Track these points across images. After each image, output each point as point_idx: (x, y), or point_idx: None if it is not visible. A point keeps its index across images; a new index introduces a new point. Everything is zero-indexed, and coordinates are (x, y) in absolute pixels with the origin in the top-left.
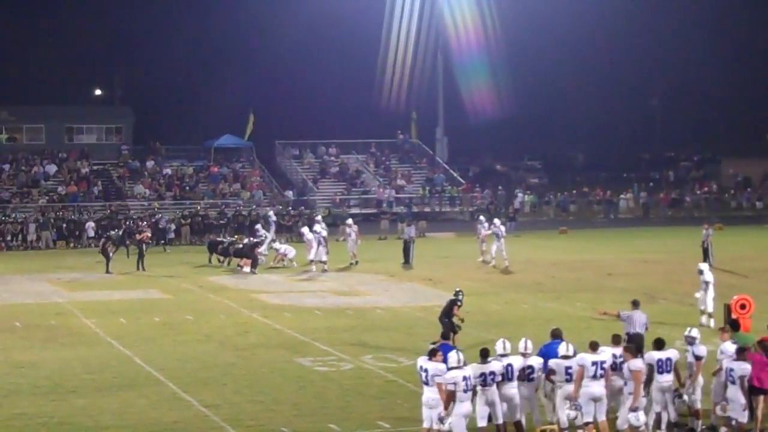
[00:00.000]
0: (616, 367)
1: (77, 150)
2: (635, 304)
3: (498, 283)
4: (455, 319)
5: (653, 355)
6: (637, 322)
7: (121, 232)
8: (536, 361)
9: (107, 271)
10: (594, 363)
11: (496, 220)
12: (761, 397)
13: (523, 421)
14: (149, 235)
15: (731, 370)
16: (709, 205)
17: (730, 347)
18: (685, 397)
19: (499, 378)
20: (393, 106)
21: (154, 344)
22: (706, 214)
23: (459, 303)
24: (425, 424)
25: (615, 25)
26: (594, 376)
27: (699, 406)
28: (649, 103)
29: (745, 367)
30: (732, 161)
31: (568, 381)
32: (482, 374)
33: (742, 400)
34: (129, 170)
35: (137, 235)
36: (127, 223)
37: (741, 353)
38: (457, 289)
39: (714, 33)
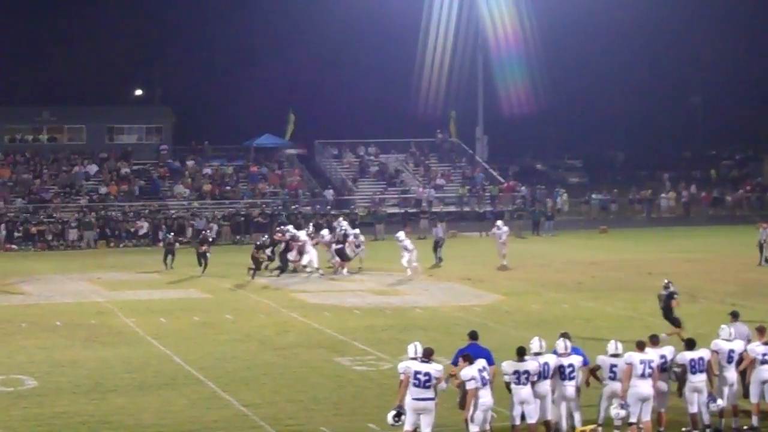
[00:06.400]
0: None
1: (118, 150)
2: (734, 316)
3: (538, 283)
4: (675, 312)
5: (685, 356)
6: (738, 335)
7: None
8: (576, 360)
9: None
10: (642, 362)
11: (400, 233)
12: None
13: (564, 424)
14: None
15: None
16: (750, 204)
17: (759, 348)
18: (720, 402)
19: (535, 378)
20: (432, 105)
21: (193, 343)
22: (747, 213)
23: (676, 295)
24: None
25: (655, 23)
26: (642, 375)
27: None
28: (690, 101)
29: None
30: None
31: (612, 379)
32: (516, 372)
33: None
34: (169, 170)
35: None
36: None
37: None
38: (666, 280)
39: (756, 30)
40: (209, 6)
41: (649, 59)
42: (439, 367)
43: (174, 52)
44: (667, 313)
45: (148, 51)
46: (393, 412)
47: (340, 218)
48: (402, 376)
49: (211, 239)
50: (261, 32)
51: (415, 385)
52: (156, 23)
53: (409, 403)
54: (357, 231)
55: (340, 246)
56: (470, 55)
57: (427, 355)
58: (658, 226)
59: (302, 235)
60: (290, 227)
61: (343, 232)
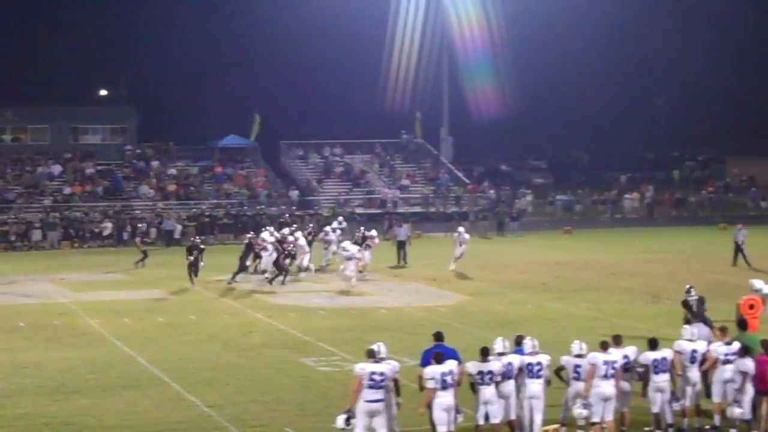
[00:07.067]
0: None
1: (82, 150)
2: (696, 317)
3: (502, 284)
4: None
5: (648, 356)
6: (700, 335)
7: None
8: (543, 358)
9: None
10: (605, 362)
11: (346, 243)
12: (763, 398)
13: (538, 420)
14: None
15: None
16: (713, 204)
17: (721, 348)
18: (682, 401)
19: (499, 378)
20: (398, 106)
21: (157, 344)
22: (710, 213)
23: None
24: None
25: (620, 25)
26: (605, 376)
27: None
28: (654, 102)
29: (747, 365)
30: (737, 161)
31: (576, 379)
32: (480, 372)
33: (747, 397)
34: (134, 170)
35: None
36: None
37: (744, 352)
38: (688, 286)
39: (719, 32)
40: (174, 6)
41: (613, 61)
42: (394, 364)
43: (139, 53)
44: (703, 318)
45: (113, 51)
46: (344, 416)
47: (340, 217)
48: (356, 378)
49: (202, 246)
50: (226, 33)
51: (369, 387)
52: (121, 23)
53: (361, 405)
54: (374, 232)
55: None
56: (436, 57)
57: (373, 355)
58: (621, 227)
59: (267, 236)
60: (265, 234)
61: (361, 233)
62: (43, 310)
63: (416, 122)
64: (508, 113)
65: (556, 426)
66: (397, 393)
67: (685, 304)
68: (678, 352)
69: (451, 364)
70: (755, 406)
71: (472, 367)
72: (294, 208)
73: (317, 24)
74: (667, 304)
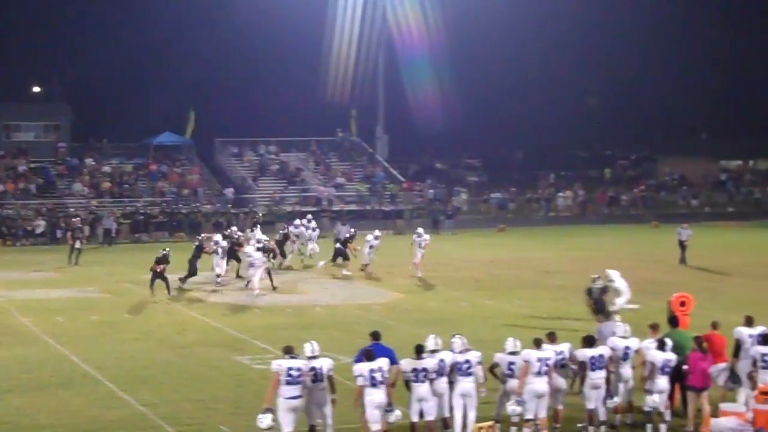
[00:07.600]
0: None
1: (15, 147)
2: (607, 316)
3: (437, 281)
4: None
5: (585, 353)
6: (607, 332)
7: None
8: (473, 356)
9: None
10: (539, 359)
11: (249, 248)
12: (694, 394)
13: (459, 420)
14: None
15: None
16: (645, 203)
17: (652, 345)
18: (616, 398)
19: (433, 375)
20: (334, 103)
21: (91, 343)
22: (642, 212)
23: (608, 289)
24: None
25: (553, 24)
26: (538, 373)
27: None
28: (587, 102)
29: (666, 359)
30: (668, 159)
31: (510, 376)
32: (414, 369)
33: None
34: (68, 168)
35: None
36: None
37: (660, 345)
38: (594, 276)
39: (651, 32)
40: (109, 3)
41: (547, 61)
42: (327, 361)
43: (73, 49)
44: (600, 306)
45: (47, 47)
46: (269, 415)
47: (309, 215)
48: (274, 375)
49: (169, 260)
50: (161, 30)
51: (287, 383)
52: (55, 19)
53: (282, 403)
54: (377, 233)
55: (338, 246)
56: (373, 55)
57: (290, 352)
58: (555, 225)
59: (220, 239)
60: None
61: (348, 234)
62: None
63: (351, 120)
64: (443, 112)
65: (490, 423)
66: (332, 390)
67: (588, 291)
68: (611, 349)
69: (381, 362)
70: (685, 402)
71: (407, 364)
72: (229, 206)
73: (253, 21)
74: None
